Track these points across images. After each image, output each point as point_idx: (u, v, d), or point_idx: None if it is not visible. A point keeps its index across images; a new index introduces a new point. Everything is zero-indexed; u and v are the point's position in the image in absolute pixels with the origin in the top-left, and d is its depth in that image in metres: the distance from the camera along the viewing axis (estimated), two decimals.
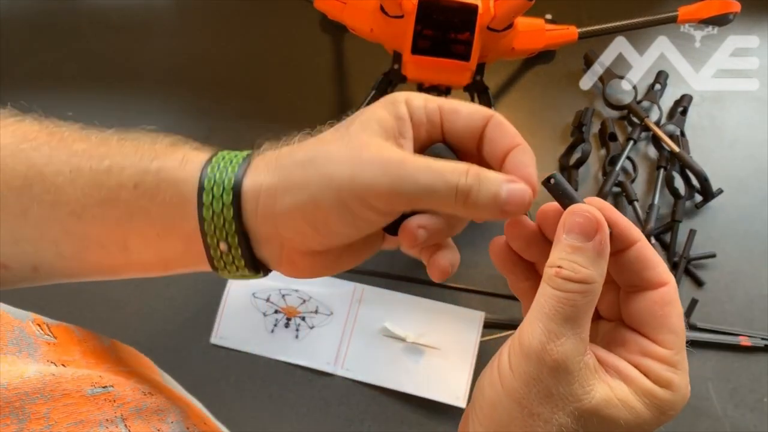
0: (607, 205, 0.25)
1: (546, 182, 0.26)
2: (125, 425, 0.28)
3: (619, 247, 0.25)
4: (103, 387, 0.28)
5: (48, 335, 0.30)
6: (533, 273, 0.28)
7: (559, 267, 0.24)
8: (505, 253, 0.28)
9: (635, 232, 0.25)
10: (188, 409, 0.34)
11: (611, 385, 0.24)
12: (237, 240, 0.27)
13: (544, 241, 0.27)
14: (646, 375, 0.24)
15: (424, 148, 0.28)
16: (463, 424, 0.28)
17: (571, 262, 0.24)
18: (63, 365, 0.29)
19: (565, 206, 0.25)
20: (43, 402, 0.26)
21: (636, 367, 0.24)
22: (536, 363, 0.23)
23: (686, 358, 0.25)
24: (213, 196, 0.27)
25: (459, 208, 0.25)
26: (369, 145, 0.26)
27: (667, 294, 0.25)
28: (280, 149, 0.29)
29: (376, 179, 0.25)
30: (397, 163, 0.25)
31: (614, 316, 0.27)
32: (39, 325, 0.30)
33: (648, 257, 0.25)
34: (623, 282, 0.26)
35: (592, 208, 0.24)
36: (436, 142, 0.28)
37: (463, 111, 0.27)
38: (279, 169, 0.27)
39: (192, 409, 0.35)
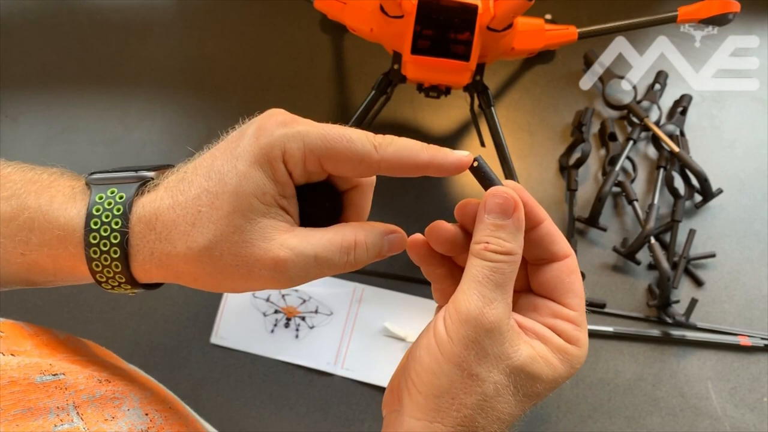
0: (520, 188, 0.28)
1: (473, 163, 0.29)
2: (77, 413, 0.27)
3: (530, 225, 0.28)
4: (54, 375, 0.28)
5: None
6: (447, 260, 0.31)
7: (486, 243, 0.27)
8: (424, 250, 0.30)
9: (542, 212, 0.29)
10: (152, 395, 0.33)
11: (532, 344, 0.27)
12: (125, 279, 0.28)
13: (464, 235, 0.30)
14: (559, 335, 0.28)
15: (305, 181, 0.28)
16: (391, 398, 0.29)
17: (496, 238, 0.27)
18: (12, 355, 0.28)
19: (486, 187, 0.28)
20: None
21: (549, 328, 0.28)
22: (474, 326, 0.26)
23: (586, 319, 0.28)
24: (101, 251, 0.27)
25: (350, 269, 0.28)
26: (253, 238, 0.26)
27: (571, 263, 0.29)
28: (157, 217, 0.27)
29: (268, 283, 0.27)
30: (283, 267, 0.26)
31: (522, 287, 0.30)
32: None
33: (553, 233, 0.29)
34: (532, 256, 0.29)
35: (509, 189, 0.27)
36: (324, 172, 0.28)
37: (346, 170, 0.28)
38: (166, 259, 0.27)
39: (157, 394, 0.33)
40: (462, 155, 0.28)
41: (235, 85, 0.88)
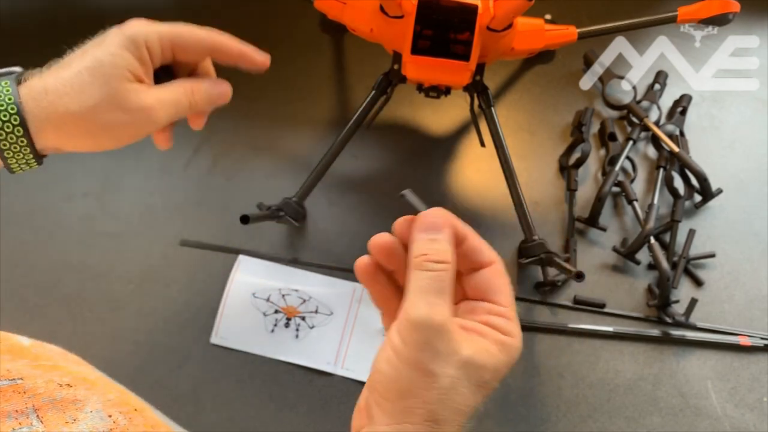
0: (446, 211, 0.33)
1: (401, 197, 0.34)
2: (37, 416, 0.28)
3: (457, 242, 0.33)
4: (11, 380, 0.29)
5: None
6: (392, 282, 0.35)
7: (425, 254, 0.31)
8: (370, 270, 0.34)
9: (468, 229, 0.33)
10: (116, 398, 0.34)
11: (474, 340, 0.31)
12: (26, 143, 0.36)
13: (402, 250, 0.34)
14: (495, 329, 0.32)
15: (160, 63, 0.40)
16: (359, 417, 0.32)
17: (434, 249, 0.31)
18: None
19: (416, 213, 0.33)
20: None
21: (486, 324, 0.32)
22: (425, 329, 0.29)
23: (516, 314, 0.33)
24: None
25: (193, 112, 0.42)
26: (126, 95, 0.37)
27: (498, 267, 0.34)
28: (45, 90, 0.36)
29: (147, 125, 0.38)
30: (153, 111, 0.38)
31: (460, 298, 0.35)
32: None
33: (478, 245, 0.33)
34: (465, 267, 0.34)
35: (437, 211, 0.32)
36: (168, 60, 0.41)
37: (190, 51, 0.41)
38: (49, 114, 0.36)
39: (122, 398, 0.35)
40: (263, 56, 0.44)
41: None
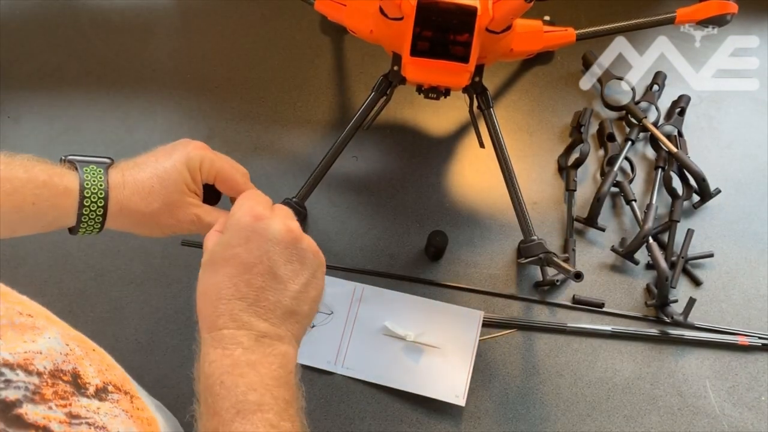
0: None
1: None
2: None
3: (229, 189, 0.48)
4: None
5: None
6: None
7: None
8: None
9: (239, 185, 0.48)
10: (76, 336, 0.38)
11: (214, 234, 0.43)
12: (100, 222, 0.44)
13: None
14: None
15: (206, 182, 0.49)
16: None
17: None
18: None
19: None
20: None
21: None
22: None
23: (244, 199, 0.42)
24: (91, 204, 0.43)
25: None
26: (181, 206, 0.46)
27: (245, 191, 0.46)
28: (125, 179, 0.45)
29: (187, 228, 0.47)
30: (198, 219, 0.46)
31: None
32: None
33: (236, 191, 0.47)
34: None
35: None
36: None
37: (226, 184, 0.48)
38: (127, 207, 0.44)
39: (83, 339, 0.39)
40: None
41: (235, 86, 0.89)
